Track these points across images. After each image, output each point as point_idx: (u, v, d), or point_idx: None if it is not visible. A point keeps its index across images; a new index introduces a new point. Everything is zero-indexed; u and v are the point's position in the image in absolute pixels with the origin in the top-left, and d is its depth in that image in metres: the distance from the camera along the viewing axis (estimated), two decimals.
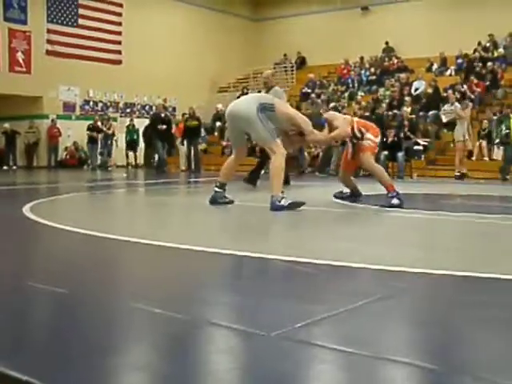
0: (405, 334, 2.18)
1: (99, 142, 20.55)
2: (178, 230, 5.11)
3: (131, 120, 21.50)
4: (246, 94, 22.36)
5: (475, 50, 21.36)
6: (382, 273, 3.07)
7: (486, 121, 16.63)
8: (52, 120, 21.04)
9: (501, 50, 21.19)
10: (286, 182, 8.61)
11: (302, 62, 26.82)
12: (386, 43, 23.98)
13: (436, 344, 2.03)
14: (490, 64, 19.83)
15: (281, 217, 5.73)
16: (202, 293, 2.73)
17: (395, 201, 6.46)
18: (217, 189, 6.55)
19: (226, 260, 3.49)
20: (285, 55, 27.02)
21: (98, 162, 20.64)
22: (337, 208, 6.70)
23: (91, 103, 22.80)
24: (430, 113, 17.72)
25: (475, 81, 19.09)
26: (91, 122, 20.81)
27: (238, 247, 3.74)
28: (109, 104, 23.12)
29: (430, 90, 18.79)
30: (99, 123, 20.65)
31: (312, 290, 2.79)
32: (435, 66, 21.53)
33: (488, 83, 19.17)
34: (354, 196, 7.43)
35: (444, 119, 16.96)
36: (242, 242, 4.12)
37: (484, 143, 16.12)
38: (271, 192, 6.01)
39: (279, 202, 5.90)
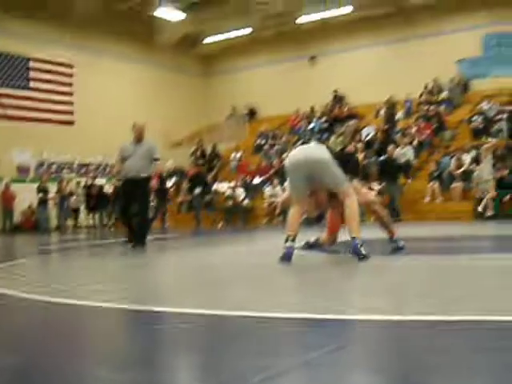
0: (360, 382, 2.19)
1: (53, 204, 20.46)
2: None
3: (88, 180, 21.52)
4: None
5: (422, 94, 22.01)
6: (336, 322, 3.12)
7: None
8: (6, 184, 20.81)
9: (445, 93, 21.86)
10: None
11: (252, 114, 27.17)
12: (335, 91, 24.49)
13: None
14: (432, 107, 20.43)
15: (240, 270, 5.76)
16: (160, 354, 2.74)
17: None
18: (289, 244, 6.15)
19: (179, 318, 3.50)
20: (233, 108, 27.39)
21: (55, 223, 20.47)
22: (297, 258, 6.76)
23: (45, 165, 22.68)
24: (382, 157, 18.05)
25: (423, 124, 19.60)
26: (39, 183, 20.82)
27: (191, 303, 3.76)
28: (63, 165, 23.04)
29: (379, 135, 19.20)
30: (48, 184, 20.64)
31: (267, 343, 2.79)
32: (383, 111, 22.02)
33: (435, 126, 19.69)
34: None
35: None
36: (197, 298, 4.13)
37: (436, 185, 16.47)
38: (351, 234, 5.90)
39: (360, 246, 5.80)
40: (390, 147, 16.73)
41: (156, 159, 9.71)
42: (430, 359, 2.42)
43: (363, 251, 5.75)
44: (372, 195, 7.01)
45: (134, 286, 5.27)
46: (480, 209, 14.68)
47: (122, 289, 5.08)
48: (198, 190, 18.85)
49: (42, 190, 20.46)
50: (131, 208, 9.69)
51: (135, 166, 9.49)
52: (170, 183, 20.08)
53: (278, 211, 6.66)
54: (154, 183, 10.01)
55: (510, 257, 5.99)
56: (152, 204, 12.48)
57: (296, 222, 6.33)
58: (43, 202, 20.44)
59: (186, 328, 3.31)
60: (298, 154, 6.45)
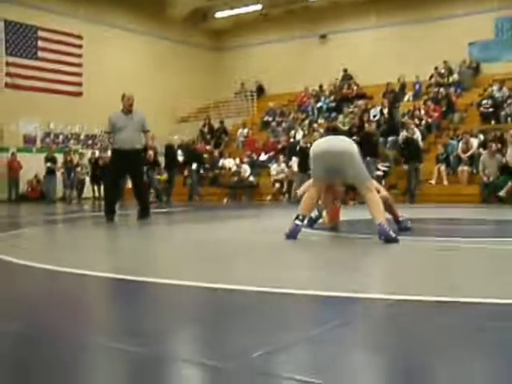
0: (367, 361, 2.18)
1: (60, 174, 20.37)
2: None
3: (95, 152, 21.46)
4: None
5: (431, 76, 21.88)
6: (338, 299, 3.13)
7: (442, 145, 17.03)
8: (12, 153, 20.83)
9: (455, 76, 21.73)
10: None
11: (260, 91, 27.07)
12: (345, 70, 24.36)
13: (399, 371, 2.04)
14: (442, 90, 20.32)
15: (243, 245, 5.78)
16: (161, 326, 2.75)
17: None
18: (298, 222, 6.21)
19: (182, 291, 3.51)
20: (242, 84, 27.28)
21: (60, 194, 20.49)
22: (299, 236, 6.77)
23: (52, 135, 22.68)
24: (390, 138, 17.99)
25: (432, 106, 19.50)
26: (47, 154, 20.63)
27: (194, 277, 3.78)
28: (70, 136, 23.04)
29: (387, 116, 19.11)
30: (56, 154, 20.46)
31: (270, 319, 2.80)
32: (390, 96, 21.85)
33: (444, 108, 19.59)
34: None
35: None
36: (200, 272, 4.14)
37: (443, 167, 16.43)
38: (377, 221, 5.80)
39: (388, 230, 5.71)
40: (412, 126, 16.57)
41: (146, 131, 9.65)
42: (430, 338, 2.43)
43: (392, 234, 5.72)
44: (383, 190, 6.95)
45: (136, 257, 5.28)
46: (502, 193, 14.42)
47: (122, 260, 5.10)
48: (194, 166, 19.03)
49: (51, 159, 20.18)
50: (121, 181, 9.56)
51: (130, 138, 9.40)
52: (180, 157, 20.10)
53: (298, 196, 6.71)
54: (150, 155, 10.00)
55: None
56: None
57: (310, 204, 6.39)
58: (51, 172, 20.12)
59: (189, 300, 3.32)
60: (324, 143, 6.46)
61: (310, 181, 6.81)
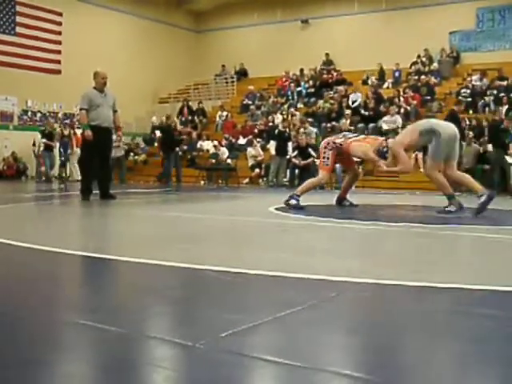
0: (335, 342, 2.20)
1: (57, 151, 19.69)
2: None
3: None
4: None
5: (413, 63, 21.98)
6: (309, 281, 3.16)
7: None
8: None
9: (435, 65, 21.84)
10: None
11: (243, 74, 26.98)
12: (327, 55, 24.35)
13: (369, 353, 2.06)
14: (423, 77, 20.44)
15: (213, 226, 5.79)
16: (128, 303, 2.76)
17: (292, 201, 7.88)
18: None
19: (153, 270, 3.52)
20: (223, 66, 27.20)
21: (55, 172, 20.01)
22: (274, 218, 6.80)
23: (29, 113, 22.45)
24: (370, 125, 18.06)
25: (411, 93, 19.59)
26: (42, 128, 20.04)
27: (167, 256, 3.78)
28: (48, 114, 22.81)
29: (370, 102, 19.16)
30: (58, 129, 19.72)
31: (239, 299, 2.83)
32: (372, 79, 21.92)
33: (425, 96, 19.70)
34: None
35: (385, 126, 17.35)
36: (173, 251, 4.14)
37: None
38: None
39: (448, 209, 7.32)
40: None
41: (115, 111, 9.63)
42: (400, 321, 2.47)
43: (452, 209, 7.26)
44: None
45: (110, 236, 5.28)
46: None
47: (95, 239, 5.09)
48: (178, 149, 18.92)
49: (48, 135, 19.43)
50: (94, 160, 9.54)
51: (108, 116, 9.41)
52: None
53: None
54: (120, 135, 10.35)
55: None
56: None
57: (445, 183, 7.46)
58: (48, 149, 19.37)
59: (159, 279, 3.33)
60: (453, 129, 7.44)
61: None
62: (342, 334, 2.29)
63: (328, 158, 8.04)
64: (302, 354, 1.98)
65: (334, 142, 8.07)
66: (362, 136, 8.73)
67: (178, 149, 18.66)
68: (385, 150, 7.79)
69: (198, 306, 2.68)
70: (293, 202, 7.85)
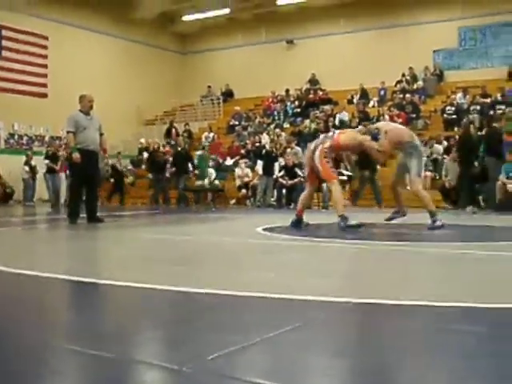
0: (324, 364, 2.19)
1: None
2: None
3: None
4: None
5: (398, 82, 22.16)
6: (296, 302, 3.17)
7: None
8: None
9: (420, 83, 22.04)
10: None
11: (229, 95, 27.08)
12: (313, 74, 24.49)
13: (357, 374, 2.06)
14: (408, 96, 20.60)
15: (200, 248, 5.79)
16: (115, 328, 2.76)
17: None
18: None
19: (140, 294, 3.52)
20: (209, 87, 27.29)
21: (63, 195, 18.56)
22: (261, 239, 6.81)
23: (16, 137, 22.39)
24: None
25: (396, 111, 19.73)
26: (49, 149, 19.15)
27: (154, 279, 3.78)
28: (34, 138, 22.76)
29: (353, 122, 19.27)
30: (61, 152, 18.44)
31: (227, 321, 2.82)
32: (356, 98, 22.06)
33: (409, 114, 19.84)
34: None
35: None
36: (160, 274, 4.14)
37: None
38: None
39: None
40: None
41: (101, 134, 9.67)
42: (386, 341, 2.48)
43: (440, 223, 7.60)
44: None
45: (97, 260, 5.26)
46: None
47: (81, 262, 5.08)
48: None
49: (52, 156, 18.47)
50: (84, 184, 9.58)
51: (95, 139, 9.46)
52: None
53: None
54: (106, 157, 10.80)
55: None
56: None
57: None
58: (51, 171, 18.28)
59: (146, 303, 3.33)
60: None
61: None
62: (330, 356, 2.29)
63: (331, 166, 7.93)
64: (290, 376, 1.99)
65: (325, 148, 7.85)
66: (338, 131, 8.74)
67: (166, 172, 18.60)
68: (376, 131, 7.87)
69: (186, 328, 2.67)
70: (342, 224, 7.66)
